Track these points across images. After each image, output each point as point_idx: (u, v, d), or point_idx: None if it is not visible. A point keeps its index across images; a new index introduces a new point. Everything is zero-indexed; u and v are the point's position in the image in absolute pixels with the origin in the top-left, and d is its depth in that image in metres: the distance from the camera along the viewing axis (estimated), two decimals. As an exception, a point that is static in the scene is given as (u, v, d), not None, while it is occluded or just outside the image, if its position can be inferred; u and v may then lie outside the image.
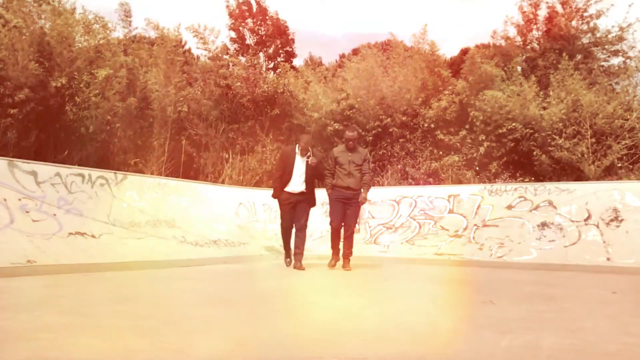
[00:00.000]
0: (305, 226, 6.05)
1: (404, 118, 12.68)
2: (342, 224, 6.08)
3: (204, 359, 1.82)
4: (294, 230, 6.09)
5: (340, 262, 6.08)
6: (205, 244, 7.33)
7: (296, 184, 5.89)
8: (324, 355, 1.88)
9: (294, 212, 5.96)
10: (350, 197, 5.93)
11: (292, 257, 6.01)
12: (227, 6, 19.05)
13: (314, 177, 6.09)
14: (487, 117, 11.81)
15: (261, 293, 3.68)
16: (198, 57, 15.59)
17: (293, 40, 19.91)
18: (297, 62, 21.33)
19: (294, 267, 5.82)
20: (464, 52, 16.20)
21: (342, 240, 6.17)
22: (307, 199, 6.01)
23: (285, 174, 5.95)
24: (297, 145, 6.05)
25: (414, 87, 12.99)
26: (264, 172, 12.44)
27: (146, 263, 5.79)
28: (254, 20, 19.44)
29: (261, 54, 18.79)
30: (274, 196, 6.14)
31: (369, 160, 6.17)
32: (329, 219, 8.93)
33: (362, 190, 5.96)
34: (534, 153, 11.27)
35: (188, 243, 7.10)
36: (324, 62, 22.48)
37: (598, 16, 13.80)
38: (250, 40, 19.57)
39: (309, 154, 5.93)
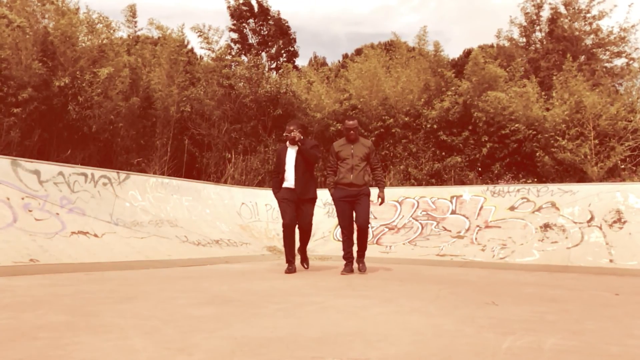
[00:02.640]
0: (310, 225, 5.74)
1: (406, 119, 12.68)
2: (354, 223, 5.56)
3: (206, 358, 1.82)
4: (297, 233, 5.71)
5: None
6: (207, 244, 7.33)
7: (291, 174, 5.57)
8: (325, 355, 1.88)
9: (295, 209, 5.57)
10: (356, 194, 5.46)
11: (293, 268, 5.53)
12: (229, 7, 19.09)
13: (307, 161, 5.59)
14: (489, 118, 11.80)
15: (263, 293, 3.68)
16: (201, 57, 15.63)
17: (295, 40, 19.95)
18: (300, 62, 21.34)
19: (300, 262, 5.75)
20: (467, 53, 16.19)
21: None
22: (303, 197, 5.57)
23: (281, 170, 5.68)
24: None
25: (416, 88, 12.99)
26: (267, 172, 12.46)
27: (148, 262, 5.80)
28: (256, 21, 19.47)
29: (263, 54, 18.81)
30: (274, 195, 5.85)
31: (376, 152, 5.60)
32: (331, 219, 8.99)
33: (378, 188, 5.58)
34: (537, 154, 11.26)
35: (190, 243, 7.11)
36: (327, 62, 22.50)
37: (601, 17, 13.79)
38: (252, 40, 19.60)
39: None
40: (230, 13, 19.08)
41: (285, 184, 5.62)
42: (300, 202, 5.59)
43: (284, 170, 5.64)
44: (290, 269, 5.46)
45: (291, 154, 5.65)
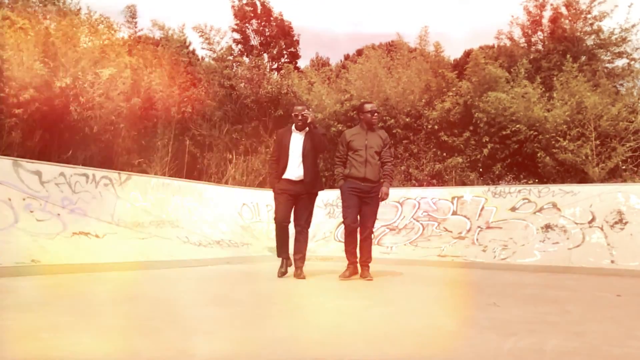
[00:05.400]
0: (307, 226, 5.04)
1: (407, 119, 12.68)
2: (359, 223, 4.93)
3: (207, 359, 1.82)
4: (292, 232, 5.10)
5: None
6: (208, 245, 7.33)
7: (295, 165, 4.85)
8: (326, 356, 1.88)
9: (292, 206, 4.94)
10: (368, 191, 4.82)
11: (287, 265, 5.05)
12: (233, 6, 19.09)
13: (315, 150, 4.96)
14: (491, 118, 11.79)
15: (264, 294, 3.68)
16: (202, 58, 15.65)
17: (297, 41, 19.95)
18: (302, 62, 21.34)
19: (294, 276, 4.92)
20: (467, 54, 16.19)
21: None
22: (309, 191, 4.94)
23: (282, 158, 4.92)
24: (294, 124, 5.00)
25: (417, 88, 12.99)
26: (268, 173, 12.47)
27: (149, 263, 5.80)
28: (259, 21, 19.48)
29: (265, 55, 18.82)
30: (271, 186, 5.11)
31: (390, 145, 5.04)
32: (332, 220, 8.98)
33: (383, 183, 4.92)
34: (538, 155, 11.24)
35: (191, 243, 7.11)
36: (330, 63, 22.48)
37: (601, 18, 13.78)
38: (254, 41, 19.61)
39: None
40: (234, 13, 19.08)
41: (285, 175, 4.89)
42: (300, 195, 4.92)
43: (286, 159, 4.90)
44: (284, 271, 4.98)
45: (297, 139, 4.92)
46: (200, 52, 16.37)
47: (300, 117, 4.86)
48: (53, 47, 11.13)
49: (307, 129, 4.93)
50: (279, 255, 5.10)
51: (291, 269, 5.10)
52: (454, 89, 12.61)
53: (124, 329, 2.29)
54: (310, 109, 5.05)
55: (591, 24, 14.19)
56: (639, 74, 12.58)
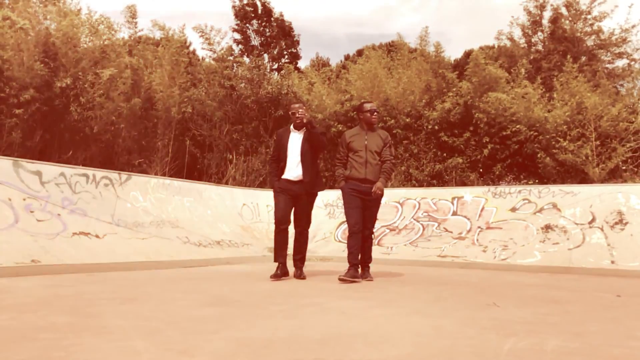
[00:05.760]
0: (307, 226, 5.05)
1: (407, 120, 12.68)
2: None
3: (207, 359, 1.82)
4: (292, 232, 5.02)
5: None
6: (208, 245, 7.33)
7: (294, 164, 4.84)
8: (327, 356, 1.88)
9: (292, 206, 4.90)
10: (369, 193, 4.75)
11: (283, 272, 4.89)
12: (233, 6, 19.12)
13: (314, 149, 4.91)
14: (491, 119, 11.80)
15: (264, 294, 3.68)
16: (203, 58, 15.66)
17: (298, 42, 19.97)
18: (302, 63, 21.34)
19: (294, 276, 4.95)
20: (467, 54, 16.19)
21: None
22: (309, 191, 4.91)
23: (281, 157, 4.93)
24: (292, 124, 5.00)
25: (417, 89, 12.99)
26: (268, 173, 12.48)
27: (150, 263, 5.80)
28: (259, 22, 19.49)
29: (266, 55, 18.83)
30: (271, 186, 5.12)
31: (391, 145, 4.96)
32: (332, 220, 8.97)
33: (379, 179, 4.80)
34: (538, 155, 11.25)
35: (191, 244, 7.11)
36: (331, 63, 22.49)
37: (602, 18, 13.79)
38: (255, 41, 19.62)
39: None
40: (234, 13, 19.10)
41: (285, 175, 4.89)
42: (300, 196, 4.88)
43: (284, 156, 4.89)
44: (278, 274, 4.79)
45: (295, 139, 4.90)
46: (200, 53, 16.45)
47: (297, 115, 4.84)
48: (53, 48, 11.14)
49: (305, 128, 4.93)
50: (275, 260, 4.96)
51: (289, 270, 5.05)
52: (454, 89, 12.61)
53: (125, 329, 2.29)
54: (305, 107, 5.03)
55: (591, 25, 14.21)
56: (639, 75, 12.57)
